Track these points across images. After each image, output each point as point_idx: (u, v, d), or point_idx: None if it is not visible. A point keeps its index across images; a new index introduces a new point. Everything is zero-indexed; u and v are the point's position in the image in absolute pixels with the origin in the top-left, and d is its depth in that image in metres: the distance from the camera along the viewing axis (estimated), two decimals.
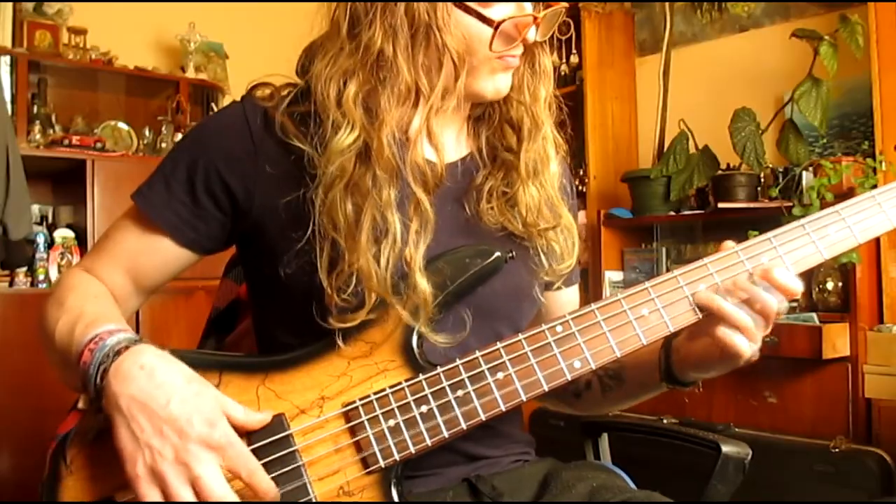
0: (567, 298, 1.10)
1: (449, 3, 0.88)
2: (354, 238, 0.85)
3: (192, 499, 0.74)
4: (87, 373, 0.80)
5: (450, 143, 0.98)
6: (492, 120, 0.99)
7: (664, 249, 3.22)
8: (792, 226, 0.91)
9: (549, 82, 0.99)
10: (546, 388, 0.86)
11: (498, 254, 0.91)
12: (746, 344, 0.86)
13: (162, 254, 0.95)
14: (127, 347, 0.79)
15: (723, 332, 0.86)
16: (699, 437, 1.29)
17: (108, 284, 0.96)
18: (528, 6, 0.91)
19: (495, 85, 0.93)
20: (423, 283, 0.86)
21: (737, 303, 0.86)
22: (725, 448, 1.19)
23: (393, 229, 0.86)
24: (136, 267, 0.96)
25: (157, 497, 0.75)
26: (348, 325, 0.86)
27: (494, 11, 0.89)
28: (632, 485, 1.04)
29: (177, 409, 0.76)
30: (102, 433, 0.81)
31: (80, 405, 0.83)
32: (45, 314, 0.91)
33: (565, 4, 0.93)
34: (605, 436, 1.36)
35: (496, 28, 0.88)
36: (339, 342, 0.86)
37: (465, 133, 1.01)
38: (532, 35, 0.92)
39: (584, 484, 0.97)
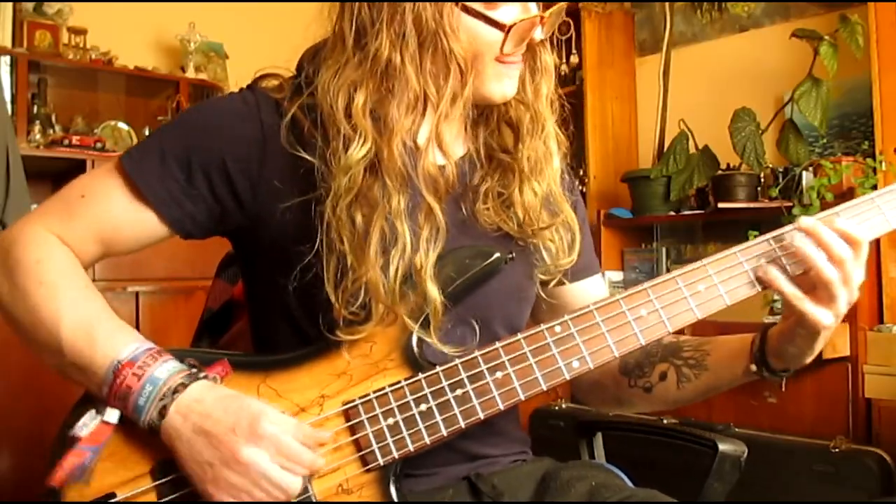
0: (589, 290, 1.08)
1: (456, 9, 0.87)
2: (363, 250, 0.85)
3: (263, 495, 0.78)
4: (134, 402, 0.81)
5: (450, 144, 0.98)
6: (490, 121, 0.99)
7: (664, 249, 3.22)
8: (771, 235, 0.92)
9: (550, 79, 0.98)
10: (544, 387, 0.87)
11: (497, 255, 0.91)
12: (816, 310, 0.86)
13: (141, 227, 0.91)
14: (183, 385, 0.81)
15: (790, 302, 0.87)
16: (696, 436, 1.29)
17: (75, 251, 0.91)
18: (533, 6, 0.90)
19: (502, 89, 0.93)
20: (433, 292, 0.85)
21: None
22: (722, 446, 1.19)
23: (403, 238, 0.85)
24: (109, 237, 0.92)
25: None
26: (357, 337, 0.86)
27: (500, 14, 0.88)
28: (630, 484, 1.04)
29: (223, 423, 0.79)
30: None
31: (109, 419, 0.83)
32: (21, 284, 0.86)
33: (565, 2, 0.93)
34: (599, 435, 1.36)
35: (507, 32, 0.88)
36: (344, 349, 0.87)
37: (462, 133, 1.00)
38: (538, 35, 0.91)
39: (583, 483, 0.97)
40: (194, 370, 0.84)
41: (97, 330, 0.84)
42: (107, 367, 0.82)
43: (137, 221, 0.91)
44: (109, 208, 0.91)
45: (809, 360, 0.92)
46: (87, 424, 0.83)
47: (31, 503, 2.30)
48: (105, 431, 0.83)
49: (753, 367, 0.94)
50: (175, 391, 0.80)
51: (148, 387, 0.80)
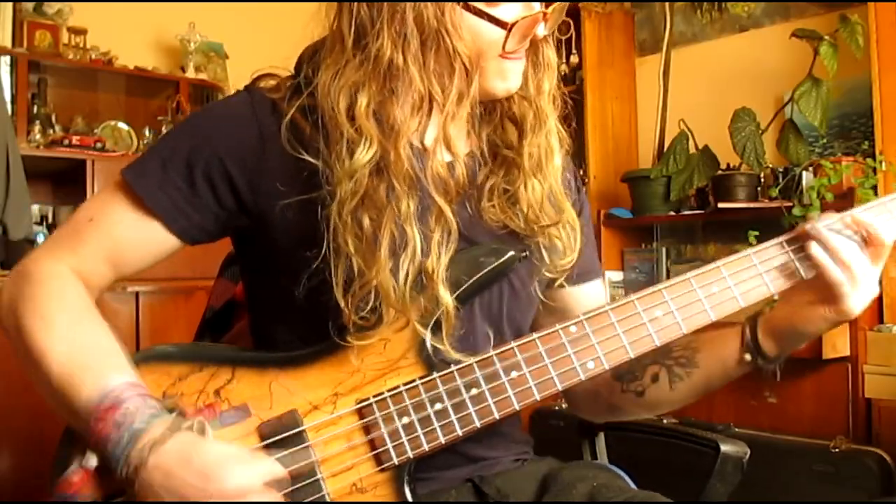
0: (590, 294, 1.07)
1: (458, 7, 0.86)
2: (373, 254, 0.83)
3: None
4: (111, 453, 0.76)
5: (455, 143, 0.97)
6: (492, 117, 0.98)
7: (664, 249, 3.22)
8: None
9: (552, 75, 0.98)
10: (560, 387, 0.86)
11: (512, 253, 0.90)
12: (847, 281, 0.89)
13: (150, 240, 0.91)
14: (155, 443, 0.75)
15: (822, 264, 0.89)
16: (698, 437, 1.29)
17: (88, 277, 0.90)
18: (535, 2, 0.90)
19: (506, 84, 0.92)
20: (445, 297, 0.84)
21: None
22: (724, 447, 1.19)
23: (413, 242, 0.84)
24: (120, 255, 0.91)
25: None
26: (366, 342, 0.85)
27: (502, 11, 0.87)
28: (632, 484, 1.04)
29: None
30: None
31: (92, 463, 0.79)
32: (24, 322, 0.83)
33: None
34: (601, 435, 1.36)
35: (510, 29, 0.87)
36: (353, 353, 0.86)
37: (465, 131, 1.00)
38: (541, 31, 0.91)
39: (584, 484, 0.97)
40: (172, 416, 0.79)
41: (84, 370, 0.79)
42: (91, 413, 0.77)
43: (145, 234, 0.90)
44: (117, 225, 0.90)
45: (802, 344, 0.93)
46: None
47: (31, 503, 2.30)
48: (81, 481, 0.79)
49: (748, 357, 0.93)
50: (150, 448, 0.75)
51: (125, 439, 0.75)
